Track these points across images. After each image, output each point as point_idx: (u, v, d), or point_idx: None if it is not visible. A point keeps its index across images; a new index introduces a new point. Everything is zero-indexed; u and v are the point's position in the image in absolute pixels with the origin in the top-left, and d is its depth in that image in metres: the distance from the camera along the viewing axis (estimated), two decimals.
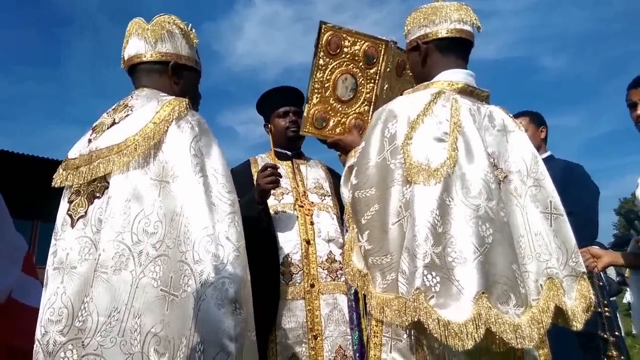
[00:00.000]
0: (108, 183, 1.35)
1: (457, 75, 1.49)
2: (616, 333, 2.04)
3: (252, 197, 2.12)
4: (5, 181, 2.29)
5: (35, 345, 1.32)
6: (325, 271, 2.13)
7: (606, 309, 2.00)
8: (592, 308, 1.38)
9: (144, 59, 1.54)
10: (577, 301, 1.37)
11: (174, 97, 1.43)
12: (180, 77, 1.57)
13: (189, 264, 1.16)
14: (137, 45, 1.55)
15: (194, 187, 1.23)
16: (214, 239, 1.18)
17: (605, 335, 2.00)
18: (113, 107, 1.52)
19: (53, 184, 1.46)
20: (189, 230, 1.19)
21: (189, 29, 1.61)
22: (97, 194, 1.36)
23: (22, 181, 6.07)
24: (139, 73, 1.56)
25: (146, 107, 1.39)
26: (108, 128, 1.42)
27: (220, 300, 1.12)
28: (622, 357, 1.98)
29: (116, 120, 1.42)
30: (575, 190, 2.69)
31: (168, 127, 1.31)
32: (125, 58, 1.58)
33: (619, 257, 2.19)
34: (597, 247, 2.60)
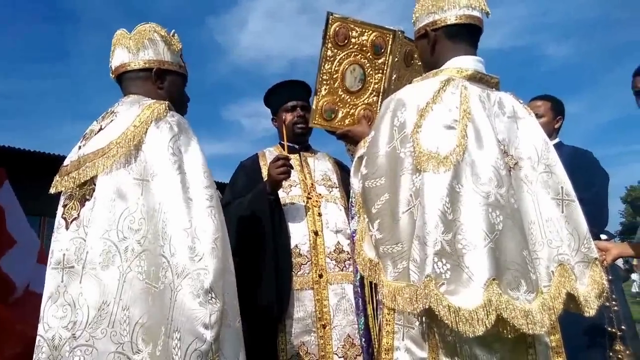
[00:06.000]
0: (96, 185, 1.41)
1: (466, 62, 1.47)
2: (623, 327, 2.02)
3: (261, 189, 2.13)
4: (14, 178, 2.31)
5: (37, 340, 1.38)
6: (333, 262, 2.14)
7: (614, 302, 1.98)
8: (605, 294, 1.37)
9: (129, 68, 1.62)
10: (589, 287, 1.36)
11: (154, 100, 1.49)
12: (164, 82, 1.64)
13: (167, 257, 1.23)
14: (122, 55, 1.63)
15: (172, 184, 1.29)
16: (191, 233, 1.24)
17: (613, 330, 1.99)
18: (102, 114, 1.58)
19: (50, 190, 1.52)
20: (166, 225, 1.26)
21: (171, 35, 1.67)
22: (87, 197, 1.43)
23: (29, 177, 6.13)
24: (126, 81, 1.64)
25: (129, 112, 1.45)
26: (95, 134, 1.48)
27: (196, 291, 1.18)
28: (628, 352, 1.97)
29: (103, 127, 1.49)
30: (585, 176, 2.61)
31: (147, 128, 1.37)
32: (113, 68, 1.66)
33: (627, 247, 2.11)
34: (605, 240, 2.57)
